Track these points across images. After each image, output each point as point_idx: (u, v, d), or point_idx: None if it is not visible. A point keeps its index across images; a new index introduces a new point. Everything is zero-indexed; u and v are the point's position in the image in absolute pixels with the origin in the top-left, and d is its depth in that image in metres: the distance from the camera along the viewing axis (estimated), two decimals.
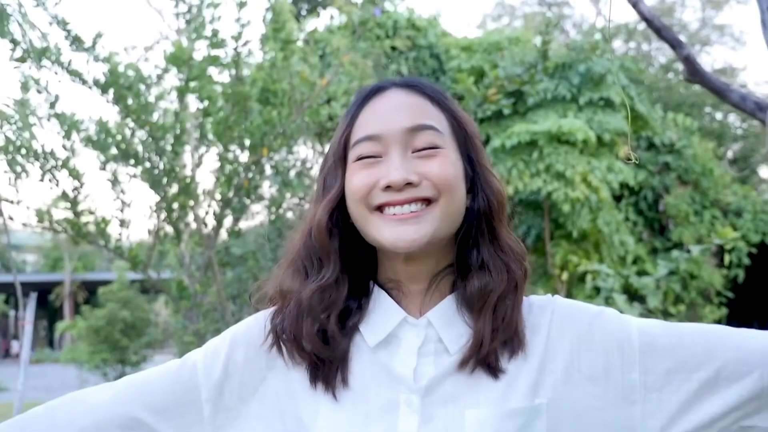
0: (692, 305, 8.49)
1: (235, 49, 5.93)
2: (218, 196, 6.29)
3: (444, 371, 1.22)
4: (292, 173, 7.10)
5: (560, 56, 8.45)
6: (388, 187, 1.21)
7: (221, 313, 6.43)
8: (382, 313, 1.27)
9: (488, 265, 1.25)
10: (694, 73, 3.80)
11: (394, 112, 1.26)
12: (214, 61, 6.03)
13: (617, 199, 8.85)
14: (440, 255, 1.28)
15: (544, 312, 1.27)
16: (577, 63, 8.31)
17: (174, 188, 6.11)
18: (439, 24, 9.26)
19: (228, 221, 6.44)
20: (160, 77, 6.11)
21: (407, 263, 1.26)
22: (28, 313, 6.66)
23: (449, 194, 1.23)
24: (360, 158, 1.24)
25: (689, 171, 8.86)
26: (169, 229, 6.25)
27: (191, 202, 6.09)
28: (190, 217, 6.38)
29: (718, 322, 8.83)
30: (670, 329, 1.25)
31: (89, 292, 32.74)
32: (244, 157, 6.29)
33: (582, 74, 8.21)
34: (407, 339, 1.25)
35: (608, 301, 6.87)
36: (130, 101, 5.71)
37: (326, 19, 19.23)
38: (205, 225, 6.26)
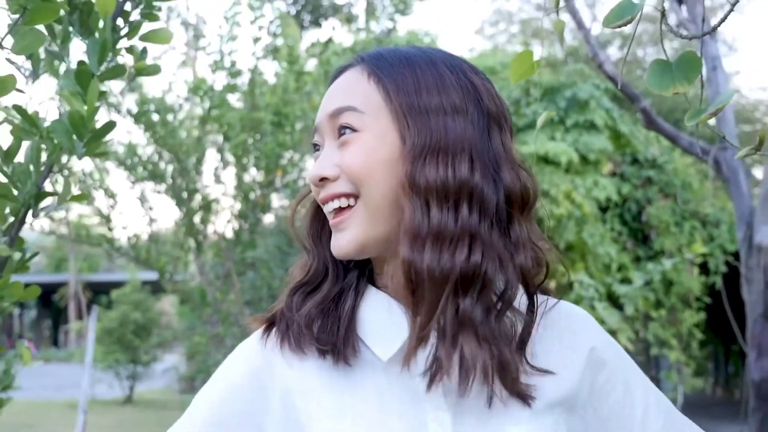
0: (672, 309, 9.15)
1: (252, 79, 6.57)
2: (236, 212, 6.93)
3: (468, 384, 1.00)
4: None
5: (548, 81, 9.16)
6: (319, 182, 1.04)
7: (237, 317, 7.06)
8: (388, 321, 1.04)
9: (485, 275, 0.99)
10: (650, 122, 4.45)
11: (328, 96, 1.08)
12: (232, 89, 6.67)
13: (603, 210, 9.49)
14: None
15: (574, 323, 1.13)
16: (564, 88, 9.05)
17: (195, 204, 6.75)
18: (438, 46, 9.92)
19: (244, 234, 7.08)
20: (181, 105, 6.76)
21: (384, 268, 1.06)
22: (91, 321, 7.28)
23: (367, 186, 1.01)
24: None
25: (670, 184, 9.54)
26: (191, 241, 6.89)
27: (212, 217, 6.73)
28: (210, 229, 7.01)
29: (697, 325, 9.50)
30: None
31: (93, 292, 33.28)
32: (259, 176, 6.93)
33: (568, 99, 8.93)
34: (421, 351, 1.01)
35: (590, 309, 7.56)
36: (158, 128, 6.34)
37: (328, 30, 19.83)
38: (225, 238, 6.89)
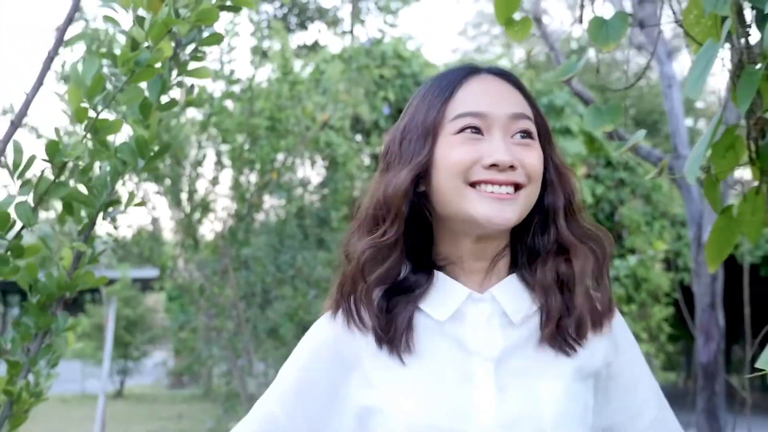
0: (643, 305, 9.68)
1: (249, 87, 6.99)
2: (232, 212, 7.35)
3: (514, 343, 1.25)
4: (298, 191, 8.18)
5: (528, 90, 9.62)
6: (492, 166, 1.21)
7: (233, 310, 7.50)
8: (447, 290, 1.26)
9: (566, 247, 1.28)
10: (611, 135, 4.90)
11: (497, 95, 1.26)
12: (230, 96, 7.09)
13: None
14: (504, 237, 1.29)
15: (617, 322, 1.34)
16: (541, 95, 9.56)
17: (194, 205, 7.17)
18: (422, 55, 10.40)
19: (240, 232, 7.50)
20: (182, 110, 7.17)
21: (479, 241, 1.27)
22: (110, 312, 7.68)
23: (536, 184, 1.25)
24: (463, 130, 1.24)
25: (641, 186, 10.08)
26: (189, 239, 7.30)
27: (211, 216, 7.15)
28: (208, 228, 7.44)
29: (666, 320, 10.03)
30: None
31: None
32: (254, 178, 7.35)
33: (545, 106, 9.43)
34: (474, 313, 1.25)
35: None
36: (162, 133, 6.74)
37: (314, 33, 20.24)
38: (222, 237, 7.32)
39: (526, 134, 1.26)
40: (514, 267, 1.32)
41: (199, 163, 6.89)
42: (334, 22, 19.64)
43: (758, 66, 1.43)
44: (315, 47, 17.12)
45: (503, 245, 1.30)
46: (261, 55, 7.31)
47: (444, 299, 1.27)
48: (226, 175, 7.32)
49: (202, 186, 7.26)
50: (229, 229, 7.28)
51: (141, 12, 1.83)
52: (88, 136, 1.94)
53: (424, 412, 1.20)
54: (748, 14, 1.51)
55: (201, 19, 1.79)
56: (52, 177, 1.83)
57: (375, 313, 1.26)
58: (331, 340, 1.31)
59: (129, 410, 14.61)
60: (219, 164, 7.26)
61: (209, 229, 7.42)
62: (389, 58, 9.97)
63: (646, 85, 26.66)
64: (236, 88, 6.98)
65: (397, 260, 1.28)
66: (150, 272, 10.91)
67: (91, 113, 1.84)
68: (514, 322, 1.25)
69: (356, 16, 18.24)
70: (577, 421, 1.23)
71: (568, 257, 1.27)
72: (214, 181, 7.38)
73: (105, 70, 1.88)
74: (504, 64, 21.40)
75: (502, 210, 1.21)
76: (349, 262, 1.29)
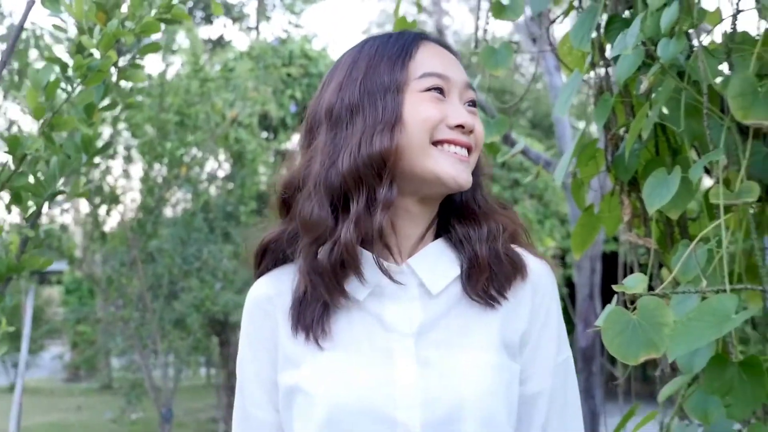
0: None
1: (161, 84, 7.15)
2: (141, 205, 7.50)
3: (435, 314, 1.21)
4: (206, 184, 8.36)
5: None
6: (457, 127, 1.22)
7: (140, 302, 7.63)
8: (367, 266, 1.21)
9: (486, 212, 1.28)
10: (506, 138, 5.37)
11: (452, 62, 1.28)
12: (141, 91, 7.23)
13: None
14: (436, 205, 1.28)
15: (538, 275, 1.28)
16: None
17: (103, 197, 7.28)
18: (329, 55, 10.70)
19: (148, 225, 7.65)
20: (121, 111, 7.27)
21: (423, 204, 1.25)
22: (29, 301, 7.64)
23: (479, 152, 1.27)
24: (429, 90, 1.22)
25: (534, 186, 10.66)
26: (97, 232, 7.42)
27: (120, 208, 7.29)
28: (116, 221, 7.56)
29: None
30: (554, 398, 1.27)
31: None
32: (164, 172, 7.52)
33: None
34: (393, 287, 1.22)
35: None
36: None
37: (219, 27, 20.22)
38: (132, 230, 7.45)
39: (473, 104, 1.28)
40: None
41: (110, 157, 7.02)
42: (239, 18, 19.69)
43: (614, 93, 1.80)
44: (220, 42, 17.16)
45: (435, 213, 1.28)
46: (170, 51, 7.47)
47: (364, 276, 1.21)
48: (136, 169, 7.45)
49: (111, 179, 7.37)
50: (137, 222, 7.41)
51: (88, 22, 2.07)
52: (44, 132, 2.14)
53: (345, 393, 1.16)
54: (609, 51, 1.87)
55: (145, 30, 2.04)
56: (13, 167, 2.04)
57: (293, 295, 1.25)
58: (263, 297, 1.29)
59: (26, 403, 14.31)
60: (128, 158, 7.39)
61: (117, 221, 7.54)
62: (296, 57, 10.24)
63: (543, 89, 27.40)
64: (146, 84, 7.12)
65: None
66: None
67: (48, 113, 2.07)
68: (433, 293, 1.21)
69: (262, 12, 18.37)
70: (501, 393, 1.18)
71: (489, 220, 1.27)
72: (125, 174, 7.50)
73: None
74: None
75: (464, 169, 1.22)
76: (310, 230, 1.21)
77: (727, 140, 1.52)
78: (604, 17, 1.82)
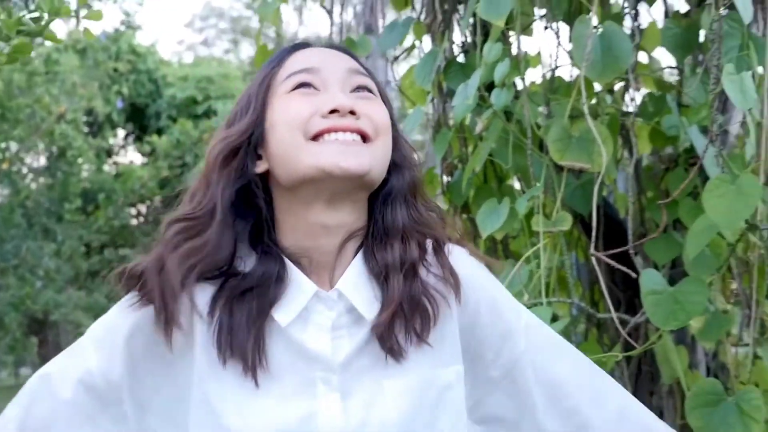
0: None
1: None
2: None
3: (360, 343, 1.13)
4: (27, 180, 8.08)
5: None
6: (332, 112, 1.12)
7: None
8: (294, 287, 1.13)
9: (404, 233, 1.16)
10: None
11: (330, 55, 1.20)
12: None
13: None
14: (359, 211, 1.17)
15: (467, 273, 1.20)
16: None
17: None
18: (158, 52, 10.60)
19: None
20: None
21: (330, 205, 1.13)
22: None
23: (385, 138, 1.15)
24: (296, 88, 1.15)
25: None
26: None
27: None
28: None
29: None
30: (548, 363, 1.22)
31: None
32: None
33: None
34: (319, 314, 1.13)
35: None
36: None
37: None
38: None
39: (366, 89, 1.18)
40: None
41: None
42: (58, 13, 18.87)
43: (450, 128, 2.06)
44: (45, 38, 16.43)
45: (358, 225, 1.16)
46: None
47: (290, 299, 1.12)
48: None
49: None
50: None
51: None
52: None
53: (262, 429, 1.08)
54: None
55: (18, 51, 2.10)
56: None
57: (209, 322, 1.11)
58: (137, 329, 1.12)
59: None
60: None
61: None
62: (124, 52, 10.06)
63: None
64: None
65: (214, 232, 1.10)
66: None
67: None
68: (368, 319, 1.12)
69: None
70: (426, 414, 1.12)
71: (405, 242, 1.16)
72: None
73: None
74: (231, 58, 21.66)
75: (353, 154, 1.10)
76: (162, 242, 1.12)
77: (546, 174, 1.82)
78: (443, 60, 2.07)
